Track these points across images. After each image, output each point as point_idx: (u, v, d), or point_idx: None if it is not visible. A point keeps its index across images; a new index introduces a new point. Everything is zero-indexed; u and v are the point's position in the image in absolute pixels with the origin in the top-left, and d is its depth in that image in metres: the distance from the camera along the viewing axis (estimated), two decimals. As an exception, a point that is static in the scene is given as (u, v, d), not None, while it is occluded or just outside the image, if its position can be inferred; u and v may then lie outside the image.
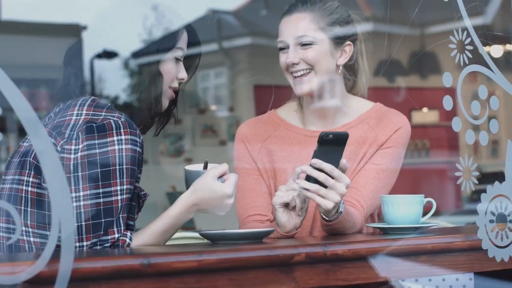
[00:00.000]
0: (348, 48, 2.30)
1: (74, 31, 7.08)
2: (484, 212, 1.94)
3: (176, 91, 2.08)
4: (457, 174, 1.94)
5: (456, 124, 1.99)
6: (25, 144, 1.95)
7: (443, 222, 3.38)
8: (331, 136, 1.97)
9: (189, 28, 2.11)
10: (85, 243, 1.78)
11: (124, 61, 2.05)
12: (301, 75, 2.25)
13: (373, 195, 2.25)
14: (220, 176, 1.94)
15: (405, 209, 2.07)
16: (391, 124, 2.32)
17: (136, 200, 1.93)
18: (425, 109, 8.23)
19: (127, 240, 1.83)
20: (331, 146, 1.98)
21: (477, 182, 1.97)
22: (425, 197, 2.11)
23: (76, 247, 1.80)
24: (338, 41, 2.27)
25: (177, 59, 2.06)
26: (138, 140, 1.87)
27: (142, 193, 1.96)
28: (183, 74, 2.08)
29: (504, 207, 1.97)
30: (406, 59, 7.99)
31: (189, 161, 6.91)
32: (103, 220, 1.80)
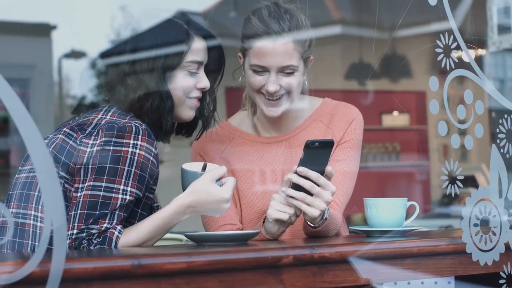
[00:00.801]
0: (312, 61, 2.29)
1: (44, 30, 7.05)
2: (468, 216, 1.96)
3: (212, 95, 2.10)
4: (442, 178, 1.95)
5: (442, 128, 2.00)
6: (46, 141, 1.98)
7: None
8: (317, 144, 1.97)
9: (207, 35, 2.10)
10: (75, 231, 1.81)
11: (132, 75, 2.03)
12: (276, 99, 2.23)
13: (345, 191, 2.27)
14: (218, 179, 1.94)
15: (388, 212, 2.09)
16: (344, 118, 2.33)
17: (148, 211, 1.94)
18: (395, 113, 8.29)
19: (116, 232, 1.83)
20: (317, 153, 1.98)
21: (461, 185, 1.98)
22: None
23: (68, 235, 1.82)
24: (306, 58, 2.26)
25: (191, 72, 2.05)
26: (153, 150, 1.90)
27: (155, 204, 1.99)
28: (203, 83, 2.07)
29: (488, 211, 1.99)
30: (377, 62, 8.05)
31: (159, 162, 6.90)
32: (97, 212, 1.82)
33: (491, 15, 4.71)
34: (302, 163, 1.98)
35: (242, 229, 2.26)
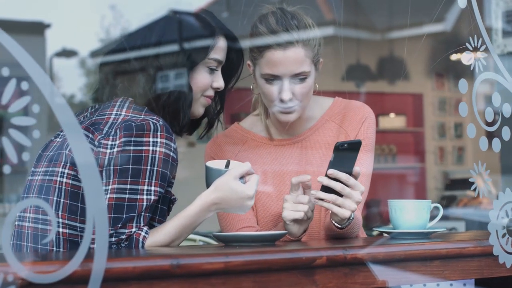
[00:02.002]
0: (321, 63, 2.27)
1: (37, 29, 7.02)
2: (495, 219, 1.97)
3: (222, 96, 2.09)
4: (471, 180, 1.96)
5: (471, 131, 2.00)
6: (58, 139, 1.97)
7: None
8: (345, 145, 1.98)
9: (229, 35, 2.09)
10: None
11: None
12: (289, 106, 2.21)
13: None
14: (242, 177, 1.94)
15: (413, 214, 2.09)
16: (356, 117, 2.32)
17: (167, 205, 1.93)
18: (392, 115, 8.31)
19: (142, 233, 1.82)
20: (345, 154, 1.99)
21: (490, 188, 1.99)
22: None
23: (94, 238, 1.81)
24: (316, 62, 2.24)
25: (211, 69, 2.05)
26: (172, 145, 1.88)
27: (173, 197, 1.97)
28: (218, 83, 2.07)
29: (515, 213, 2.00)
30: (374, 64, 8.07)
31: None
32: (124, 215, 1.81)
33: (496, 18, 4.73)
34: (332, 165, 1.99)
35: (259, 231, 2.26)
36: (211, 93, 2.07)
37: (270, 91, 2.19)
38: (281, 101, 2.18)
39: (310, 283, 1.69)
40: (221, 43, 2.07)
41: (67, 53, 7.15)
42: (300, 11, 2.22)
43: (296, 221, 2.06)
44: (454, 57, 7.16)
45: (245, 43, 2.27)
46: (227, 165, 2.00)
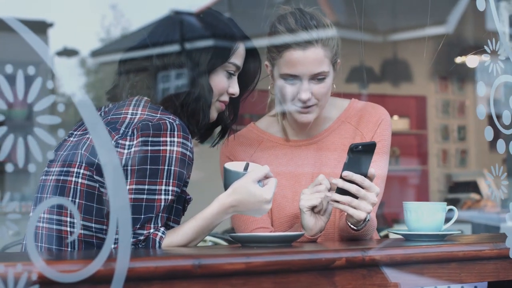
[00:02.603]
0: (339, 64, 2.27)
1: (40, 27, 7.02)
2: (512, 221, 1.97)
3: (236, 105, 2.09)
4: (486, 183, 1.96)
5: (488, 133, 2.00)
6: (72, 139, 1.95)
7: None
8: (360, 147, 1.98)
9: (248, 42, 2.10)
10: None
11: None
12: (307, 106, 2.22)
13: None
14: (260, 180, 1.94)
15: (428, 216, 2.09)
16: (372, 119, 2.32)
17: (182, 204, 1.93)
18: (395, 117, 8.31)
19: (159, 233, 1.82)
20: (360, 156, 1.99)
21: (506, 191, 1.99)
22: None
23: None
24: (335, 62, 2.24)
25: (229, 73, 2.05)
26: (189, 145, 1.88)
27: (188, 197, 1.97)
28: (234, 89, 2.07)
29: (533, 216, 1.99)
30: (378, 66, 8.08)
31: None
32: (142, 216, 1.81)
33: (503, 22, 4.74)
34: (347, 167, 1.99)
35: (274, 232, 2.26)
36: (226, 98, 2.07)
37: (289, 91, 2.19)
38: (300, 101, 2.18)
39: (329, 284, 1.69)
40: (241, 50, 2.08)
41: (68, 52, 7.15)
42: (318, 12, 2.22)
43: (312, 213, 2.06)
44: (459, 59, 7.18)
45: (261, 43, 2.27)
46: (246, 168, 2.00)
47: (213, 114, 2.07)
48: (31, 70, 1.32)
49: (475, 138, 8.71)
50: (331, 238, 2.24)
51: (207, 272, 1.52)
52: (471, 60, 6.59)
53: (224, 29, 2.06)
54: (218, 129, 2.22)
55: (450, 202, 6.93)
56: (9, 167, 1.25)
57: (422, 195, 8.21)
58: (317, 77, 2.17)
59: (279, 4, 2.30)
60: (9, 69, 1.33)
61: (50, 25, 7.05)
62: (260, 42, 2.22)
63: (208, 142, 2.23)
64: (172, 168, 1.85)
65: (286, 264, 1.63)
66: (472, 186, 6.83)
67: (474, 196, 6.63)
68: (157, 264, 1.48)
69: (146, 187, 1.82)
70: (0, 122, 1.32)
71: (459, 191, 6.96)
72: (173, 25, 2.05)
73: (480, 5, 2.02)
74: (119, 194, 1.41)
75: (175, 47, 2.01)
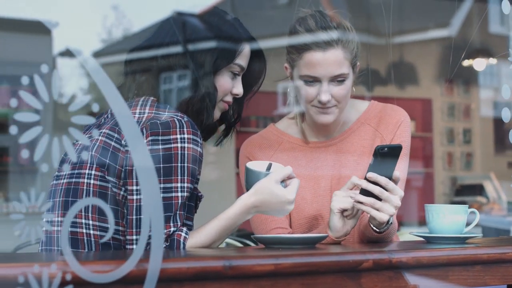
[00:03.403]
0: (358, 67, 2.27)
1: (44, 27, 7.02)
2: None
3: (240, 105, 2.09)
4: None
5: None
6: (80, 142, 1.93)
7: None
8: (386, 149, 1.98)
9: (253, 43, 2.10)
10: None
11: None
12: (327, 107, 2.21)
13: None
14: (283, 180, 1.94)
15: (449, 218, 2.09)
16: (392, 120, 2.32)
17: (194, 201, 1.92)
18: (401, 119, 8.30)
19: (183, 234, 1.82)
20: (385, 158, 1.99)
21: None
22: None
23: (132, 239, 1.80)
24: (354, 64, 2.23)
25: (234, 74, 2.05)
26: (199, 140, 1.88)
27: (200, 194, 1.96)
28: (238, 90, 2.07)
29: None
30: (384, 69, 8.08)
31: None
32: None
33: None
34: (371, 168, 1.99)
35: (292, 233, 2.26)
36: (229, 98, 2.08)
37: (308, 93, 2.19)
38: (320, 103, 2.18)
39: (356, 286, 1.68)
40: (246, 50, 2.08)
41: (70, 53, 7.14)
42: (338, 15, 2.22)
43: (342, 214, 2.06)
44: (466, 63, 7.18)
45: (273, 44, 2.26)
46: (269, 168, 2.00)
47: (216, 114, 2.07)
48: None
49: (480, 141, 8.71)
50: (351, 240, 2.24)
51: (237, 273, 1.52)
52: (478, 63, 6.60)
53: (230, 29, 2.06)
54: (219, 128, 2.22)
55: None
56: (44, 167, 1.25)
57: (427, 198, 8.20)
58: (337, 79, 2.17)
59: (299, 8, 2.30)
60: (44, 69, 1.33)
61: (56, 25, 7.04)
62: (265, 44, 2.22)
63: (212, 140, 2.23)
64: (185, 164, 1.84)
65: (314, 265, 1.63)
66: (478, 189, 6.84)
67: (481, 199, 6.63)
68: (188, 265, 1.48)
69: (162, 185, 1.82)
70: (36, 122, 1.31)
71: (465, 194, 6.96)
72: (179, 26, 2.06)
73: (505, 8, 2.02)
74: (151, 195, 1.41)
75: (180, 48, 2.01)
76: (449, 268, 1.83)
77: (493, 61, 6.78)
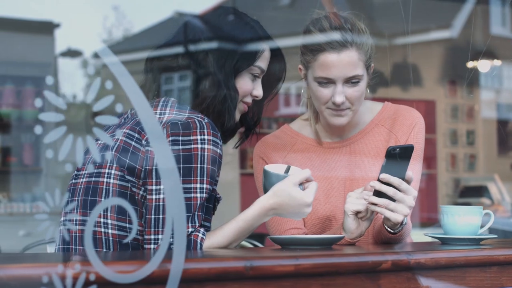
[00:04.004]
0: (372, 68, 2.27)
1: (47, 28, 7.02)
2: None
3: (260, 107, 2.09)
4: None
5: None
6: (100, 142, 1.94)
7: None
8: (398, 150, 1.98)
9: (274, 47, 2.10)
10: (160, 236, 1.78)
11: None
12: (341, 109, 2.21)
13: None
14: (301, 183, 1.93)
15: (464, 220, 2.09)
16: (406, 122, 2.32)
17: (212, 203, 1.92)
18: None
19: (200, 235, 1.82)
20: (397, 159, 1.99)
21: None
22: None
23: (151, 239, 1.80)
24: (368, 66, 2.23)
25: (254, 76, 2.05)
26: (219, 142, 1.87)
27: (218, 196, 1.96)
28: (258, 92, 2.07)
29: None
30: (387, 70, 8.08)
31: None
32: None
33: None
34: (384, 169, 1.99)
35: (306, 234, 2.26)
36: (249, 100, 2.07)
37: (323, 94, 2.19)
38: (334, 104, 2.18)
39: (374, 287, 1.68)
40: (267, 53, 2.08)
41: (72, 53, 7.16)
42: (352, 16, 2.22)
43: (356, 216, 2.05)
44: (470, 64, 7.18)
45: (289, 44, 2.25)
46: (287, 171, 2.00)
47: (236, 116, 2.07)
48: (90, 70, 1.31)
49: (483, 142, 8.72)
50: (365, 241, 2.24)
51: (257, 274, 1.52)
52: (482, 65, 6.59)
53: (251, 31, 2.06)
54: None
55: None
56: (68, 167, 1.25)
57: (431, 199, 8.20)
58: (351, 81, 2.16)
59: (313, 9, 2.29)
60: (90, 70, 1.33)
61: (57, 25, 7.05)
62: (279, 43, 2.21)
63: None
64: (205, 166, 1.84)
65: (334, 266, 1.63)
66: (482, 191, 6.84)
67: (485, 201, 6.63)
68: (210, 266, 1.48)
69: (181, 185, 1.81)
70: (60, 122, 1.31)
71: (469, 195, 6.96)
72: (200, 26, 2.05)
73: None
74: (174, 195, 1.41)
75: (201, 48, 2.00)
76: (466, 269, 1.83)
77: (497, 62, 6.78)
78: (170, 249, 1.40)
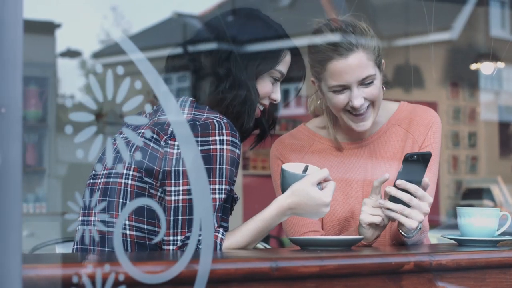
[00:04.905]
0: (384, 64, 2.25)
1: (48, 28, 7.01)
2: None
3: (275, 110, 2.09)
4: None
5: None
6: (118, 141, 1.93)
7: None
8: (415, 156, 1.98)
9: (295, 51, 2.09)
10: (179, 237, 1.78)
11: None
12: (363, 113, 2.19)
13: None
14: (319, 183, 1.93)
15: (481, 221, 2.09)
16: (423, 122, 2.31)
17: (230, 203, 1.92)
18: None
19: (219, 235, 1.82)
20: (414, 165, 1.99)
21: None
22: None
23: (170, 240, 1.79)
24: (379, 63, 2.21)
25: (274, 79, 2.05)
26: (238, 142, 1.87)
27: (235, 196, 1.95)
28: (277, 96, 2.07)
29: None
30: (390, 72, 8.09)
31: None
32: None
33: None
34: (400, 175, 1.99)
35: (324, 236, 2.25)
36: (267, 102, 2.07)
37: (340, 100, 2.17)
38: (353, 108, 2.17)
39: (397, 288, 1.69)
40: (288, 57, 2.08)
41: (71, 54, 7.15)
42: (352, 18, 2.21)
43: (371, 225, 2.05)
44: (474, 66, 7.19)
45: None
46: (305, 170, 1.99)
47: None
48: (120, 70, 1.31)
49: (485, 144, 8.72)
50: (382, 241, 2.24)
51: (283, 275, 1.52)
52: (485, 67, 6.60)
53: (274, 34, 2.05)
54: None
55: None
56: (98, 167, 1.25)
57: (432, 201, 8.20)
58: (365, 82, 2.15)
59: (312, 18, 2.28)
60: (99, 69, 1.32)
61: (58, 25, 7.04)
62: (266, 45, 2.20)
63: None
64: (224, 166, 1.84)
65: (358, 267, 1.63)
66: (484, 193, 6.85)
67: (488, 203, 6.64)
68: (237, 266, 1.48)
69: (208, 186, 1.81)
70: (90, 122, 1.31)
71: (472, 197, 6.96)
72: (222, 27, 2.05)
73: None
74: (202, 195, 1.41)
75: (223, 49, 2.00)
76: (486, 271, 1.84)
77: (501, 65, 6.79)
78: (197, 249, 1.40)
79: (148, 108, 1.36)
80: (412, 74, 7.82)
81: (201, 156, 1.79)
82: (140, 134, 1.87)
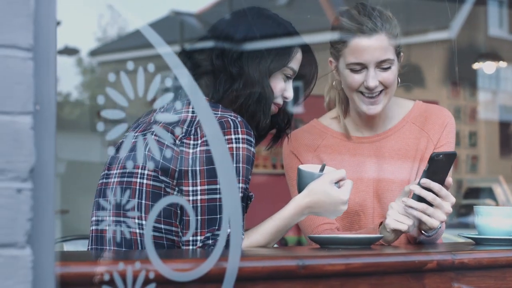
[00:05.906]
0: (402, 57, 2.28)
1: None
2: None
3: (290, 109, 2.09)
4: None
5: None
6: (132, 140, 1.91)
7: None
8: (441, 156, 1.98)
9: (306, 48, 2.09)
10: (199, 238, 1.78)
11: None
12: (375, 96, 2.21)
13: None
14: (336, 182, 1.93)
15: (499, 220, 2.10)
16: (438, 121, 2.32)
17: (245, 201, 1.91)
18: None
19: None
20: (439, 165, 1.99)
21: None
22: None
23: (189, 241, 1.79)
24: (399, 53, 2.25)
25: (286, 77, 2.05)
26: (252, 140, 1.87)
27: (250, 194, 1.95)
28: (289, 93, 2.06)
29: None
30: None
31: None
32: (218, 216, 1.79)
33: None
34: (425, 174, 1.99)
35: (338, 228, 2.25)
36: (280, 101, 2.06)
37: (355, 80, 2.20)
38: (367, 89, 2.19)
39: (419, 286, 1.69)
40: (299, 55, 2.07)
41: (69, 51, 7.15)
42: (380, 6, 2.23)
43: (396, 231, 2.05)
44: (476, 65, 7.20)
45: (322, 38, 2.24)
46: (322, 169, 2.00)
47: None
48: (150, 67, 1.31)
49: (486, 144, 8.73)
50: (399, 240, 2.24)
51: (309, 273, 1.52)
52: (487, 67, 6.61)
53: (284, 32, 2.05)
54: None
55: (466, 208, 6.96)
56: (129, 164, 1.25)
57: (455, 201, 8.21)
58: (383, 66, 2.18)
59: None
60: (130, 65, 1.32)
61: (58, 23, 7.03)
62: (264, 44, 2.21)
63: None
64: (240, 165, 1.83)
65: (383, 266, 1.63)
66: (485, 192, 6.86)
67: (490, 202, 6.65)
68: (264, 264, 1.48)
69: (219, 186, 1.80)
70: (121, 120, 1.30)
71: (473, 197, 6.98)
72: (233, 25, 2.04)
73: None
74: (231, 194, 1.41)
75: (234, 49, 1.99)
76: (506, 270, 1.84)
77: (503, 64, 6.80)
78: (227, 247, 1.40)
79: (178, 105, 1.36)
80: (413, 73, 7.83)
81: (210, 156, 1.79)
82: (154, 133, 1.83)
